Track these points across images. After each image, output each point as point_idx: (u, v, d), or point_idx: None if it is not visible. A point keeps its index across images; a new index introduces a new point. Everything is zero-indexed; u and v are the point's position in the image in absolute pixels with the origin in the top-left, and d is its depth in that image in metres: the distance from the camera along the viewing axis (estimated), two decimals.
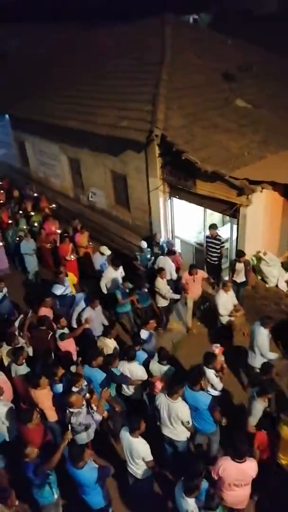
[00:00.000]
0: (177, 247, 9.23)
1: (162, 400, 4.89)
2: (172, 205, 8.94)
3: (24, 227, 10.65)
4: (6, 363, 6.11)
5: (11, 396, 5.76)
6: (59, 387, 5.38)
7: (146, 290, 7.59)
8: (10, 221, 10.77)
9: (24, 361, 5.88)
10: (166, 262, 7.89)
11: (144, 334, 6.22)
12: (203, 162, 7.20)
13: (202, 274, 7.68)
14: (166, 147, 7.88)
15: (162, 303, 7.65)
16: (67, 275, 7.92)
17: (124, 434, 4.56)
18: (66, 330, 6.55)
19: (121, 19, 14.34)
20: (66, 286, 7.67)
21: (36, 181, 14.69)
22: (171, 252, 8.19)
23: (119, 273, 7.85)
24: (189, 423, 4.86)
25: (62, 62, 14.18)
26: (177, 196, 8.60)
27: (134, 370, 5.59)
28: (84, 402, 4.99)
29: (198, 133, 8.12)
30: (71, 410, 4.89)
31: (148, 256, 8.55)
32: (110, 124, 8.78)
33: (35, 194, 13.14)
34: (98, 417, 5.09)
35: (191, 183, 7.85)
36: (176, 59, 10.14)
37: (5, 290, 7.88)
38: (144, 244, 8.54)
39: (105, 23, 15.10)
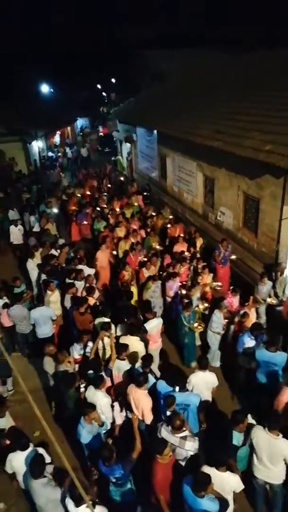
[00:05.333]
0: None
1: (261, 436, 4.49)
2: None
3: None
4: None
5: None
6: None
7: None
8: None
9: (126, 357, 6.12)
10: None
11: None
12: None
13: None
14: None
15: None
16: None
17: (209, 470, 4.18)
18: None
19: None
20: None
21: (170, 195, 15.40)
22: None
23: None
24: None
25: (215, 84, 14.60)
26: None
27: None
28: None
29: None
30: (180, 435, 4.71)
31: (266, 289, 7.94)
32: (253, 147, 8.65)
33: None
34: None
35: None
36: None
37: None
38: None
39: (268, 47, 15.03)
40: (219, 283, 9.03)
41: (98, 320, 7.09)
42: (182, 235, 10.92)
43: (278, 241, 8.64)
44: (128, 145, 21.80)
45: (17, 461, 4.76)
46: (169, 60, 22.34)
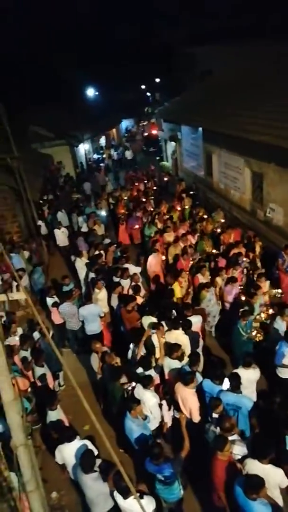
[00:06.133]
0: None
1: None
2: None
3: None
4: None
5: None
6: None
7: None
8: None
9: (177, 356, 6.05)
10: None
11: None
12: None
13: None
14: None
15: None
16: None
17: (252, 463, 4.12)
18: None
19: None
20: None
21: (217, 192, 15.13)
22: None
23: None
24: None
25: (264, 78, 14.10)
26: None
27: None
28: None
29: None
30: (229, 438, 4.51)
31: None
32: None
33: None
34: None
35: None
36: None
37: None
38: None
39: None
40: (279, 290, 8.31)
41: (145, 319, 7.13)
42: (238, 240, 10.16)
43: None
44: (173, 144, 21.71)
45: (66, 453, 4.91)
46: (216, 56, 21.93)
